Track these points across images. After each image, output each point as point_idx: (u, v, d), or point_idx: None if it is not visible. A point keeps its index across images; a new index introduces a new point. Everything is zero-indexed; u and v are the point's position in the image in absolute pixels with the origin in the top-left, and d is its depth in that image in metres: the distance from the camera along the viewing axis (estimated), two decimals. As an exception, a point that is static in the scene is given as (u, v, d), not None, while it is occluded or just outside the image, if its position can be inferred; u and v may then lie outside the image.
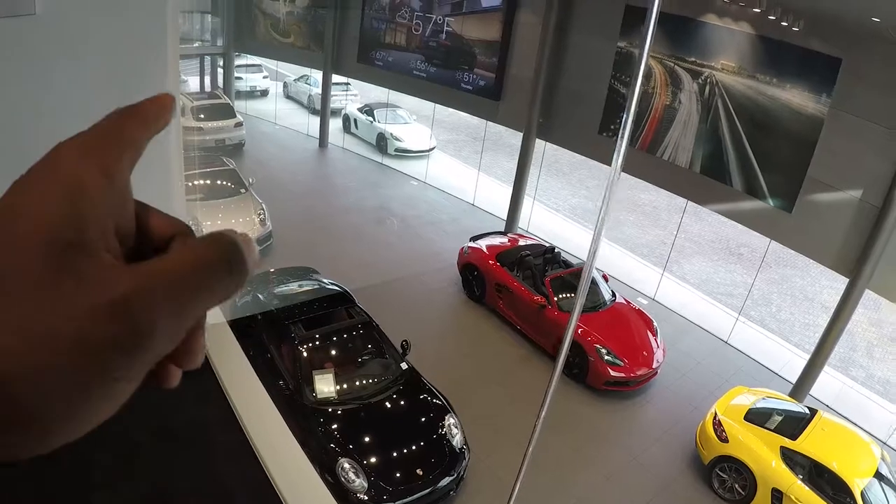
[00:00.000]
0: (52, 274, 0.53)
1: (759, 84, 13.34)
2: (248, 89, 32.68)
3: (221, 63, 30.75)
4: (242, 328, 12.19)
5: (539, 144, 18.76)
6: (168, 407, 3.99)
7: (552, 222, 21.54)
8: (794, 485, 10.23)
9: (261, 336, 11.78)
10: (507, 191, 19.63)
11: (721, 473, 11.12)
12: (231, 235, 0.64)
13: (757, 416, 11.26)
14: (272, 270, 14.89)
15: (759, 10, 13.14)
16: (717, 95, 14.01)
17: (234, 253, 0.63)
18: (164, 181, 3.80)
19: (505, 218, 19.63)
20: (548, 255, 15.37)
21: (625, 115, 2.87)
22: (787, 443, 10.58)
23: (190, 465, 3.63)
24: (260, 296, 12.88)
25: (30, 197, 0.58)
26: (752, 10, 13.25)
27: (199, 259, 0.62)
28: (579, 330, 13.25)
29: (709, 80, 14.17)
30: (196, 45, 29.99)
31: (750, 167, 13.68)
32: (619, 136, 2.71)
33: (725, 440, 11.06)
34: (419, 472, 9.72)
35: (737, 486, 10.91)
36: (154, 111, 0.72)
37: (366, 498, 9.31)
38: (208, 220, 16.59)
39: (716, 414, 11.47)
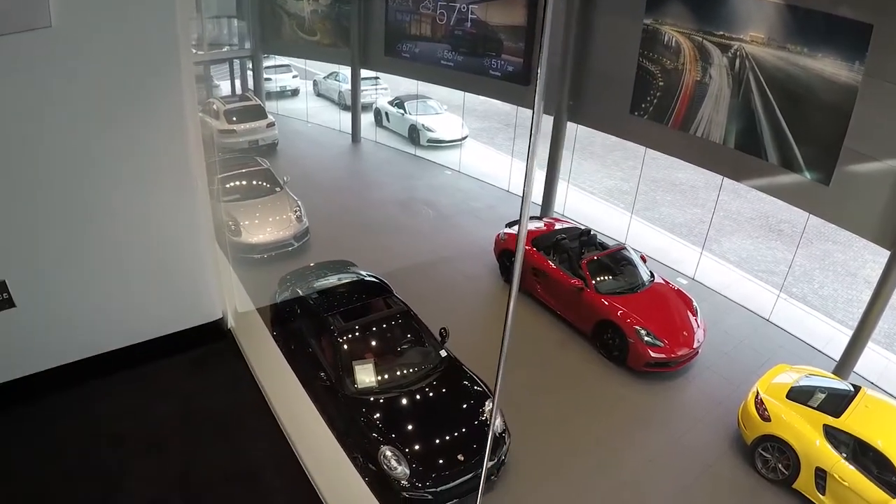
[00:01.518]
0: None
1: (789, 55, 13.08)
2: (279, 89, 32.98)
3: (251, 65, 31.02)
4: (283, 321, 12.34)
5: (571, 127, 18.67)
6: (199, 389, 4.08)
7: (588, 205, 21.44)
8: (837, 463, 10.02)
9: (301, 329, 11.91)
10: (542, 176, 19.55)
11: (764, 453, 10.95)
12: None
13: (799, 394, 11.04)
14: (311, 265, 15.02)
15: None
16: (748, 68, 13.78)
17: None
18: (185, 185, 3.88)
19: (540, 203, 19.57)
20: (584, 238, 15.32)
21: (538, 58, 2.90)
22: (831, 421, 10.35)
23: (222, 446, 3.71)
24: (299, 290, 13.00)
25: None
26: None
27: None
28: (618, 312, 13.21)
29: (738, 53, 13.94)
30: (225, 49, 30.32)
31: (785, 140, 13.46)
32: (536, 78, 2.71)
33: (768, 419, 10.90)
34: (460, 457, 9.73)
35: (780, 465, 10.72)
36: None
37: (408, 484, 9.37)
38: (246, 220, 16.80)
39: (758, 393, 11.31)
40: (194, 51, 3.80)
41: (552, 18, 17.87)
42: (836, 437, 10.19)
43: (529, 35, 18.95)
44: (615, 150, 26.35)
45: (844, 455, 10.01)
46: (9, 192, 3.42)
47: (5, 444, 3.67)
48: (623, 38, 16.11)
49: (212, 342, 4.39)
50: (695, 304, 13.94)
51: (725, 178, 16.16)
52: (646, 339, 12.77)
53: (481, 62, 20.55)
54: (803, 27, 12.75)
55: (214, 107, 24.92)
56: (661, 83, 15.62)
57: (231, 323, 4.54)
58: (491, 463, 9.95)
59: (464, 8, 20.53)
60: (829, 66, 12.50)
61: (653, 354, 12.74)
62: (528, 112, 22.04)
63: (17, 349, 3.78)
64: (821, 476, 10.18)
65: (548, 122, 18.75)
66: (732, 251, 19.38)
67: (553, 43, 17.97)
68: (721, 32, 14.15)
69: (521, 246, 2.68)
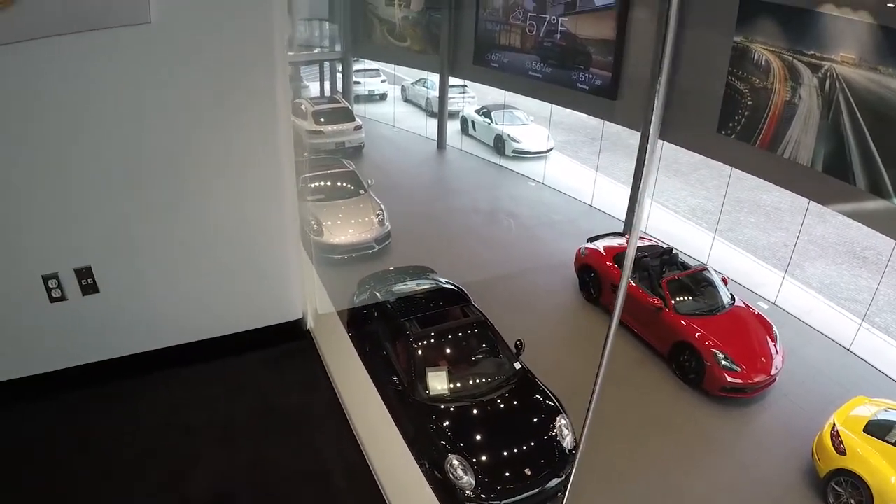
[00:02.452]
0: None
1: (881, 77, 12.69)
2: (367, 93, 33.39)
3: (340, 68, 31.46)
4: (359, 323, 12.47)
5: (657, 144, 18.50)
6: (275, 387, 4.17)
7: (670, 223, 21.19)
8: (912, 503, 9.64)
9: (376, 332, 12.02)
10: (626, 192, 19.40)
11: (837, 488, 10.56)
12: None
13: (877, 429, 10.62)
14: (390, 269, 15.17)
15: (877, -2, 12.59)
16: (839, 90, 13.43)
17: None
18: (275, 184, 3.97)
19: (623, 219, 19.43)
20: (665, 257, 15.12)
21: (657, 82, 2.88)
22: None
23: (292, 443, 3.78)
24: (377, 293, 13.12)
25: None
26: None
27: None
28: (696, 334, 13.03)
29: (829, 73, 13.59)
30: (315, 51, 30.85)
31: (874, 164, 13.06)
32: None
33: (843, 453, 10.54)
34: (528, 472, 9.70)
35: (853, 501, 10.31)
36: None
37: (473, 495, 9.38)
38: (329, 220, 17.05)
39: (834, 425, 10.94)
40: (287, 51, 3.90)
41: (641, 33, 17.80)
42: (912, 475, 9.83)
43: (618, 49, 18.82)
44: (700, 169, 25.99)
45: (920, 495, 9.65)
46: (101, 181, 3.56)
47: (83, 422, 3.82)
48: (712, 55, 15.88)
49: (291, 341, 4.48)
50: (775, 329, 13.63)
51: (811, 202, 15.82)
52: (723, 363, 12.55)
53: (569, 75, 20.50)
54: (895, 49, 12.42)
55: (303, 107, 25.39)
56: (749, 102, 15.36)
57: (311, 324, 4.63)
58: (558, 480, 9.87)
59: (554, 20, 20.51)
60: (920, 90, 12.16)
61: (729, 379, 12.52)
62: (614, 127, 21.94)
63: (99, 333, 3.93)
64: (894, 516, 9.83)
65: (635, 137, 18.62)
66: (815, 277, 18.94)
67: (642, 58, 17.84)
68: (812, 52, 13.83)
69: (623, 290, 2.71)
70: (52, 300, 3.69)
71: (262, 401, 4.03)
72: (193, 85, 3.53)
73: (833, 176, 13.90)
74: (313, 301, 4.70)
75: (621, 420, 12.01)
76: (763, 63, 14.86)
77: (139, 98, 3.45)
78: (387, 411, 3.99)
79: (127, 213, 3.68)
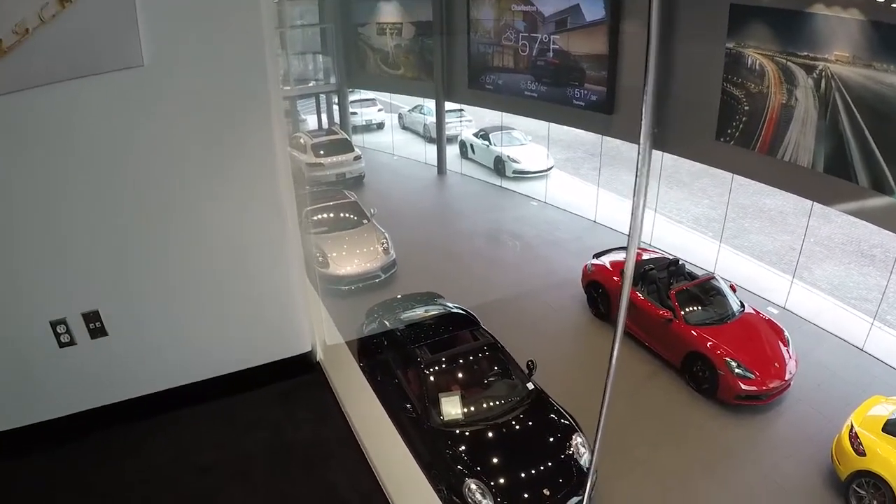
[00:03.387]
0: None
1: (876, 73, 12.66)
2: (365, 123, 33.47)
3: (336, 100, 31.57)
4: (369, 352, 12.44)
5: (657, 155, 18.50)
6: (287, 421, 4.15)
7: (675, 234, 21.16)
8: (935, 502, 9.51)
9: (387, 360, 11.99)
10: (629, 205, 19.36)
11: (859, 490, 10.40)
12: None
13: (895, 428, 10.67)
14: (398, 297, 15.16)
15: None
16: (834, 89, 13.41)
17: None
18: (276, 218, 3.97)
19: (627, 233, 19.39)
20: (672, 268, 15.08)
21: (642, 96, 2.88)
22: None
23: (308, 477, 3.76)
24: (386, 322, 13.10)
25: None
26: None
27: None
28: (708, 343, 12.97)
29: (824, 73, 13.57)
30: (311, 84, 30.97)
31: (875, 161, 13.00)
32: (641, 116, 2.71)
33: (863, 454, 10.38)
34: (546, 492, 9.63)
35: (875, 502, 10.18)
36: None
37: (492, 518, 9.33)
38: (333, 252, 17.08)
39: (852, 426, 10.81)
40: (281, 86, 3.91)
41: (633, 47, 17.85)
42: (935, 473, 9.71)
43: (612, 63, 18.87)
44: (702, 178, 25.96)
45: (943, 493, 9.53)
46: (103, 225, 3.57)
47: (95, 466, 3.80)
48: (706, 62, 15.91)
49: (300, 375, 4.46)
50: (786, 334, 13.55)
51: (815, 203, 15.79)
52: (736, 371, 12.48)
53: (564, 92, 20.54)
54: (888, 43, 12.39)
55: (302, 140, 25.48)
56: (746, 107, 15.36)
57: (320, 356, 4.62)
58: (577, 499, 9.81)
59: (545, 38, 20.59)
60: (917, 83, 12.16)
61: (744, 387, 12.44)
62: (613, 141, 21.96)
63: (109, 376, 3.92)
64: (918, 515, 9.70)
65: (634, 150, 18.62)
66: (824, 278, 18.86)
67: (636, 71, 17.88)
68: (805, 53, 13.83)
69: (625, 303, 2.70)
70: (62, 345, 3.69)
71: (275, 436, 4.01)
72: (190, 125, 3.55)
73: (835, 175, 13.87)
74: (321, 333, 4.70)
75: (637, 433, 11.94)
76: (757, 67, 14.88)
77: (136, 140, 3.46)
78: (401, 440, 3.98)
79: (131, 255, 3.69)
